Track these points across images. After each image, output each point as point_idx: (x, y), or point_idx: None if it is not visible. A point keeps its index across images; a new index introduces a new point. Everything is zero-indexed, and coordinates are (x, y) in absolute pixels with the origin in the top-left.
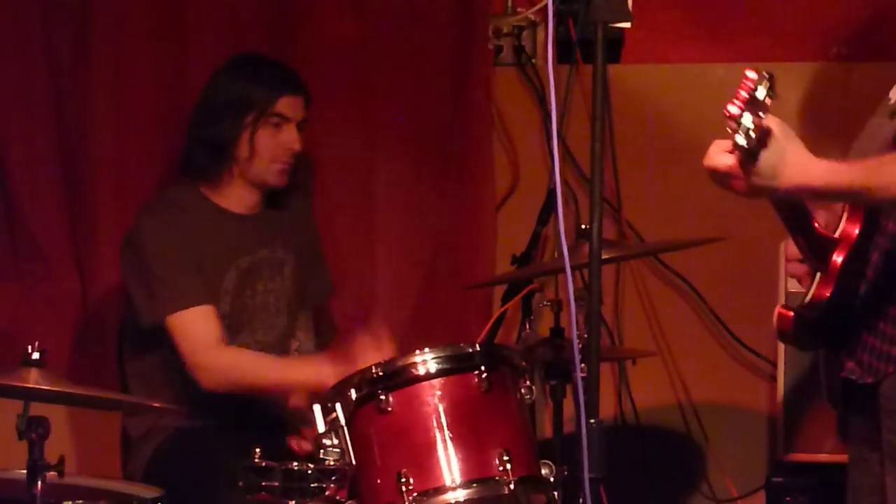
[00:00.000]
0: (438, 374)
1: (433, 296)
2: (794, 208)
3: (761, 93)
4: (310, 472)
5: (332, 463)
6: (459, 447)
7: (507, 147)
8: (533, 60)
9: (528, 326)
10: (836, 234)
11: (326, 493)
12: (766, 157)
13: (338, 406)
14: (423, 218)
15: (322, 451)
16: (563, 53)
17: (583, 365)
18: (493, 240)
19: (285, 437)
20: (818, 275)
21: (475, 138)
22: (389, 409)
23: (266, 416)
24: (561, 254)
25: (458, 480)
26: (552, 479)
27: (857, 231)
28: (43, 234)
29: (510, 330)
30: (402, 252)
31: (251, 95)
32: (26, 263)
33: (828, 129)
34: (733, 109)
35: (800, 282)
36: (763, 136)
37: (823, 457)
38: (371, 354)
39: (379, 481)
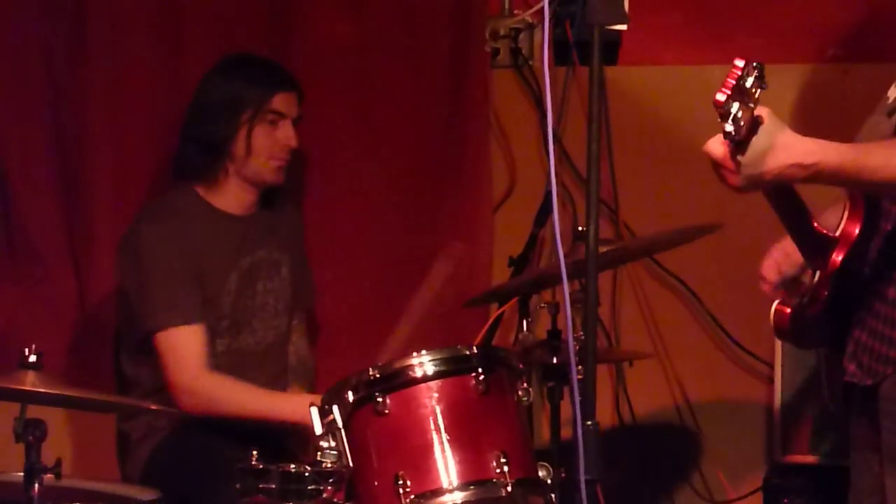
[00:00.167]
0: (435, 376)
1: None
2: (791, 206)
3: (749, 82)
4: (307, 474)
5: (329, 465)
6: (457, 449)
7: (504, 149)
8: (530, 62)
9: (525, 328)
10: (836, 234)
11: (324, 495)
12: (755, 144)
13: (335, 408)
14: (419, 220)
15: (319, 453)
16: (561, 55)
17: (579, 367)
18: (489, 242)
19: (282, 440)
20: (817, 273)
21: (472, 140)
22: (387, 411)
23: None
24: (557, 257)
25: (455, 482)
26: (549, 482)
27: (857, 231)
28: (40, 237)
29: (507, 332)
30: (398, 254)
31: (246, 93)
32: (23, 266)
33: (824, 130)
34: (720, 97)
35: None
36: (752, 125)
37: (821, 458)
38: None
39: (376, 483)
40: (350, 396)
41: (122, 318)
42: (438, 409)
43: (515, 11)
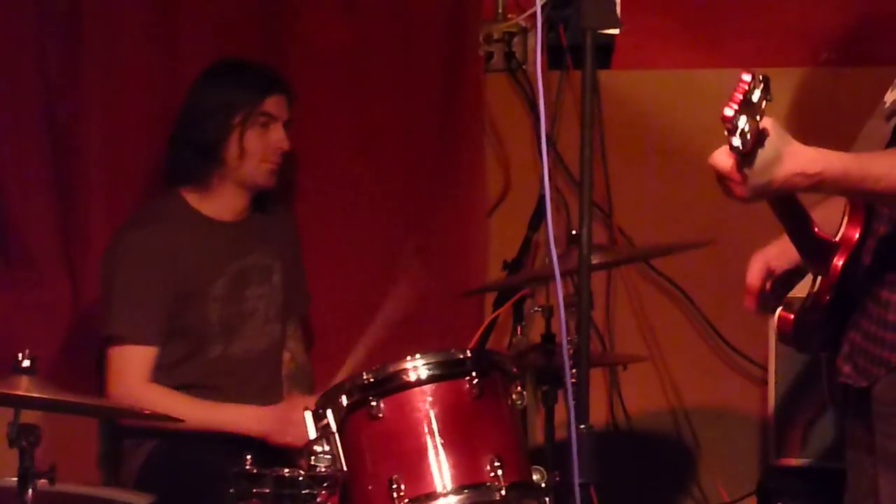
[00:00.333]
0: (430, 380)
1: (425, 301)
2: (793, 213)
3: (756, 95)
4: (301, 478)
5: (323, 469)
6: (451, 453)
7: (499, 153)
8: (524, 66)
9: (519, 332)
10: (837, 238)
11: (318, 499)
12: (762, 156)
13: (329, 412)
14: (414, 223)
15: (313, 457)
16: (554, 59)
17: (573, 370)
18: (484, 245)
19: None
20: (819, 278)
21: (466, 144)
22: (381, 415)
23: None
24: (551, 260)
25: (449, 486)
26: (544, 485)
27: (857, 235)
28: (34, 241)
29: (502, 336)
30: (393, 257)
31: (237, 97)
32: (18, 270)
33: (816, 134)
34: (729, 112)
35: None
36: (759, 138)
37: (815, 461)
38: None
39: (370, 487)
40: (344, 400)
41: None
42: (432, 413)
43: (509, 16)
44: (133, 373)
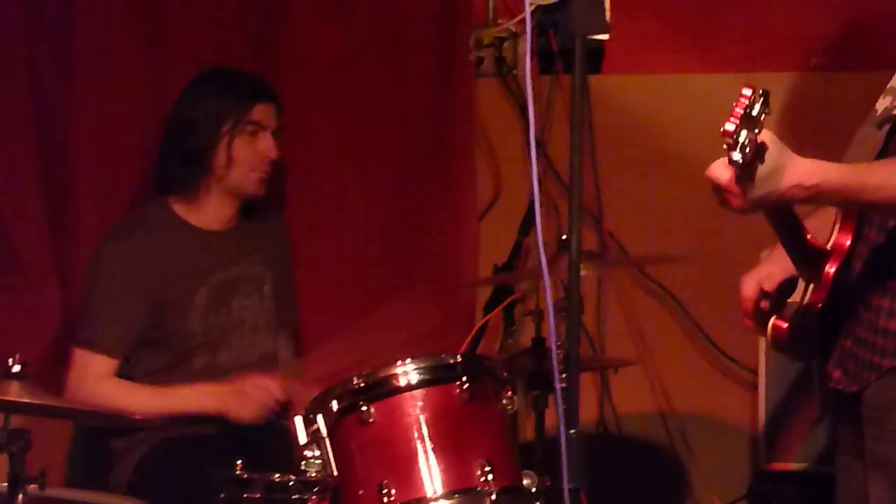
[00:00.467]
0: (420, 384)
1: (415, 306)
2: (788, 221)
3: (756, 109)
4: (292, 483)
5: (313, 474)
6: (441, 458)
7: (489, 158)
8: (514, 71)
9: (510, 337)
10: (829, 246)
11: None
12: (761, 169)
13: (319, 417)
14: (405, 228)
15: (304, 462)
16: (545, 64)
17: (563, 375)
18: (475, 250)
19: (267, 450)
20: (811, 285)
21: (457, 149)
22: (371, 419)
23: (248, 428)
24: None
25: (439, 491)
26: (534, 490)
27: (848, 242)
28: (24, 246)
29: (493, 340)
30: (384, 262)
31: (225, 105)
32: (7, 276)
33: (806, 138)
34: (730, 127)
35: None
36: (758, 152)
37: (805, 466)
38: (264, 392)
39: (361, 492)
40: (334, 405)
41: None
42: (423, 418)
43: (499, 21)
44: (91, 374)
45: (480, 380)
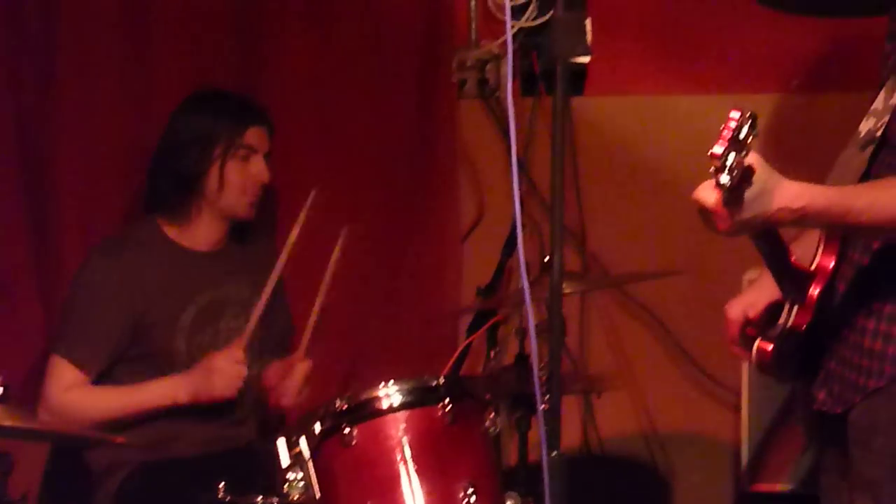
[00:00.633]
0: (403, 406)
1: (398, 327)
2: (773, 244)
3: (744, 132)
4: None
5: (296, 497)
6: (424, 480)
7: (473, 179)
8: (497, 93)
9: (493, 358)
10: (813, 268)
11: None
12: (750, 192)
13: (302, 439)
14: (388, 250)
15: (286, 484)
16: (528, 86)
17: (546, 397)
18: (458, 271)
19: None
20: (795, 307)
21: (440, 170)
22: (354, 442)
23: (230, 450)
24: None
25: None
26: None
27: (832, 264)
28: (6, 270)
29: (476, 361)
30: (367, 284)
31: (218, 128)
32: None
33: (789, 159)
34: (718, 150)
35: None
36: (745, 175)
37: (788, 487)
38: (228, 362)
39: None
40: (317, 427)
41: None
42: (405, 440)
43: (482, 43)
44: (63, 383)
45: (463, 402)
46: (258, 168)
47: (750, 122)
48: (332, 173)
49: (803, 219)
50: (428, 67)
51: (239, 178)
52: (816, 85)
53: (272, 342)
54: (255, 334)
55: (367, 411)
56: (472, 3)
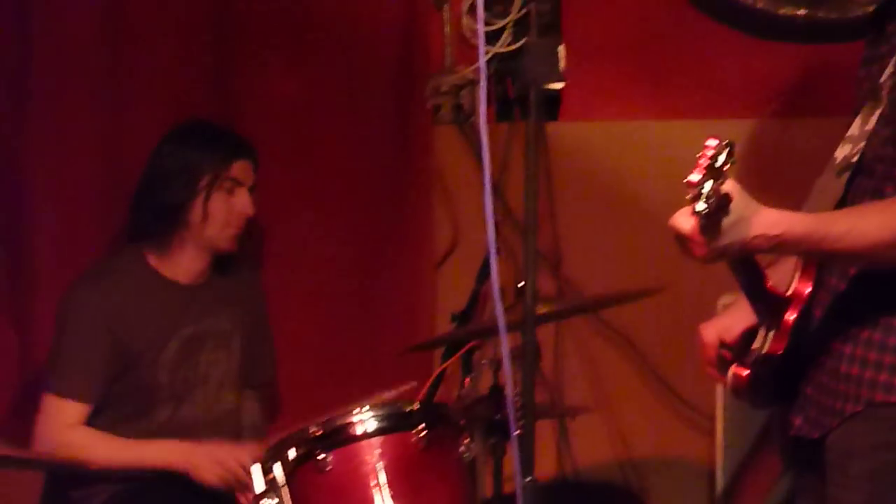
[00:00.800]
0: (377, 432)
1: (373, 354)
2: (749, 270)
3: (721, 160)
4: None
5: None
6: None
7: (447, 205)
8: (472, 119)
9: (468, 384)
10: (789, 293)
11: None
12: (727, 220)
13: (276, 465)
14: (362, 276)
15: None
16: (503, 111)
17: (521, 422)
18: (432, 298)
19: (228, 497)
20: (771, 332)
21: (415, 196)
22: (329, 468)
23: None
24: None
25: None
26: None
27: (808, 290)
28: None
29: (451, 387)
30: (342, 309)
31: (204, 160)
32: None
33: (763, 185)
34: (695, 178)
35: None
36: (722, 202)
37: None
38: (234, 461)
39: None
40: (291, 453)
41: None
42: (380, 466)
43: (457, 68)
44: (61, 421)
45: (438, 428)
46: (243, 201)
47: (727, 150)
48: (304, 199)
49: (780, 246)
50: (403, 93)
51: (223, 211)
52: (791, 110)
53: (255, 373)
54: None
55: (342, 437)
56: (447, 28)
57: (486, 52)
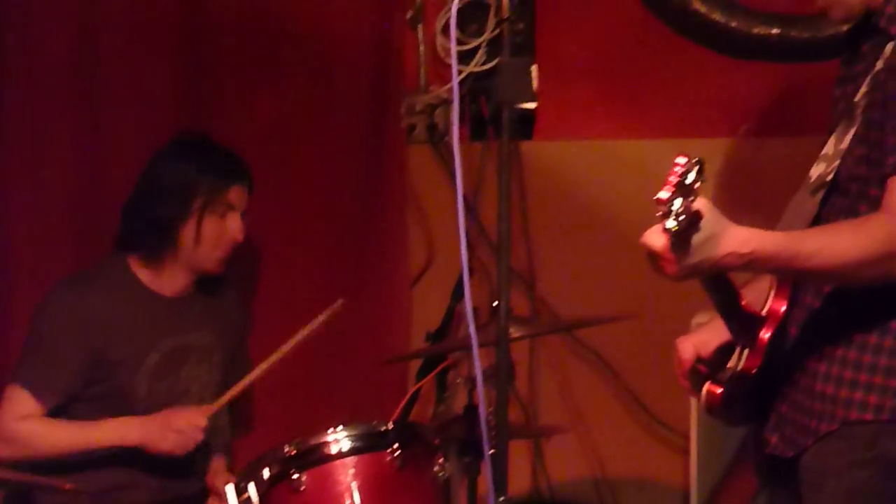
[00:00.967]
0: (351, 452)
1: (348, 373)
2: (722, 288)
3: (691, 177)
4: None
5: None
6: None
7: (422, 224)
8: (446, 138)
9: (442, 403)
10: (764, 312)
11: None
12: (696, 237)
13: (251, 486)
14: (337, 294)
15: None
16: (477, 130)
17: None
18: (407, 316)
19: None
20: (746, 351)
21: (389, 215)
22: (303, 487)
23: (179, 499)
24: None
25: None
26: None
27: (783, 308)
28: None
29: (425, 406)
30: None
31: (202, 181)
32: None
33: (737, 204)
34: (664, 195)
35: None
36: (693, 220)
37: None
38: (188, 425)
39: None
40: (265, 473)
41: None
42: (354, 486)
43: (431, 88)
44: (16, 412)
45: (412, 447)
46: (234, 226)
47: (697, 167)
48: (279, 218)
49: (751, 264)
50: (377, 112)
51: (214, 234)
52: (766, 129)
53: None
54: (216, 383)
55: (316, 456)
56: (422, 48)
57: (460, 72)
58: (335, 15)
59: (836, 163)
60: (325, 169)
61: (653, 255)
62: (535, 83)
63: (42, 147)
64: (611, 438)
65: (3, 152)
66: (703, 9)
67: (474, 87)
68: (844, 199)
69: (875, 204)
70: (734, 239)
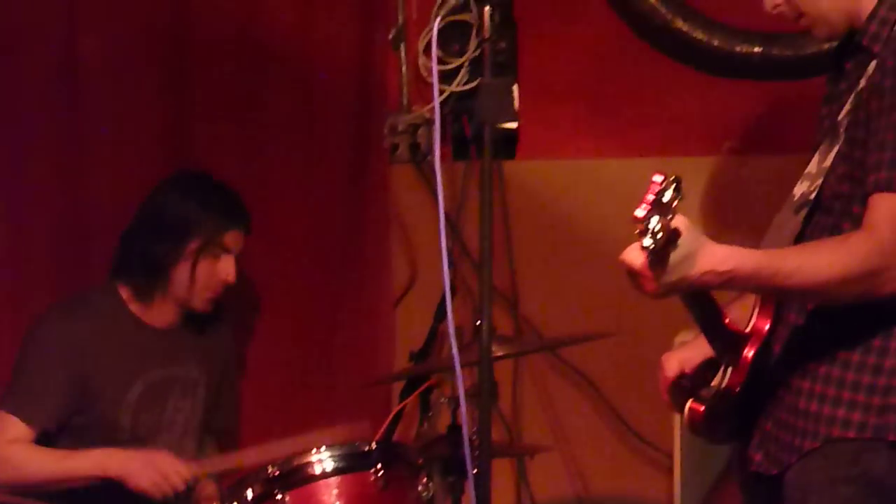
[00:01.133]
0: (335, 472)
1: (331, 392)
2: (704, 306)
3: (668, 195)
4: None
5: None
6: None
7: (405, 244)
8: (429, 158)
9: (426, 422)
10: (748, 330)
11: None
12: (674, 255)
13: None
14: (320, 315)
15: None
16: (460, 150)
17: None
18: (391, 336)
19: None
20: (730, 368)
21: (372, 235)
22: None
23: None
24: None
25: None
26: None
27: (767, 326)
28: None
29: (409, 426)
30: (300, 348)
31: (199, 222)
32: None
33: (721, 222)
34: (640, 213)
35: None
36: (671, 238)
37: None
38: (171, 468)
39: None
40: (249, 494)
41: None
42: None
43: (413, 107)
44: (6, 437)
45: (396, 467)
46: (227, 269)
47: (674, 185)
48: (262, 239)
49: (731, 282)
50: (360, 132)
51: (207, 276)
52: (748, 147)
53: (217, 417)
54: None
55: (300, 477)
56: (404, 67)
57: (442, 92)
58: (318, 35)
59: (820, 181)
60: (307, 189)
61: (632, 273)
62: (516, 103)
63: (22, 169)
64: (594, 457)
65: None
66: (684, 27)
67: (456, 107)
68: (828, 217)
69: (858, 222)
70: (713, 257)
